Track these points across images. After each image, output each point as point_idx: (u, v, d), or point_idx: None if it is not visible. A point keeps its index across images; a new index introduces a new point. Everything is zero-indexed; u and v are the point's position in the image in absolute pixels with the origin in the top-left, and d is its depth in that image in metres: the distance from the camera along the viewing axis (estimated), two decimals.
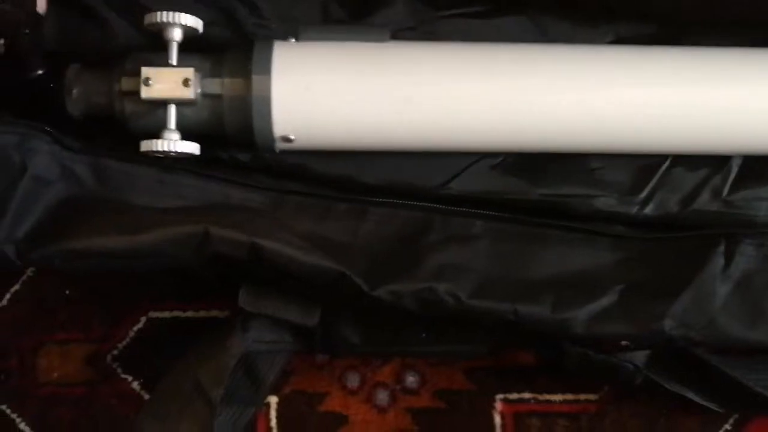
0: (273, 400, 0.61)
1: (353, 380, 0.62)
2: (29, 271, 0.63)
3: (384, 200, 0.53)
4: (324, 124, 0.50)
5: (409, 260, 0.52)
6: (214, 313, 0.63)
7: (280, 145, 0.50)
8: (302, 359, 0.61)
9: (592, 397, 0.61)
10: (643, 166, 0.54)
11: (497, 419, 0.61)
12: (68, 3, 0.53)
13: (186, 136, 0.49)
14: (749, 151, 0.54)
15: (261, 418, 0.61)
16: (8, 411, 0.62)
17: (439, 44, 0.52)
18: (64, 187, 0.51)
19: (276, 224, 0.51)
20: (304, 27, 0.51)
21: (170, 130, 0.48)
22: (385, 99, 0.49)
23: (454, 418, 0.61)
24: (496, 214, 0.53)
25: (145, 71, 0.47)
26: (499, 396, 0.61)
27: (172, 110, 0.48)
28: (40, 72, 0.51)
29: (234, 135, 0.50)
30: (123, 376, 0.62)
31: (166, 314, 0.63)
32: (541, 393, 0.61)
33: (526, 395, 0.61)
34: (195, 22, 0.48)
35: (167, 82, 0.47)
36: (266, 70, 0.48)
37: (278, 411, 0.61)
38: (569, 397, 0.61)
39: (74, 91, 0.49)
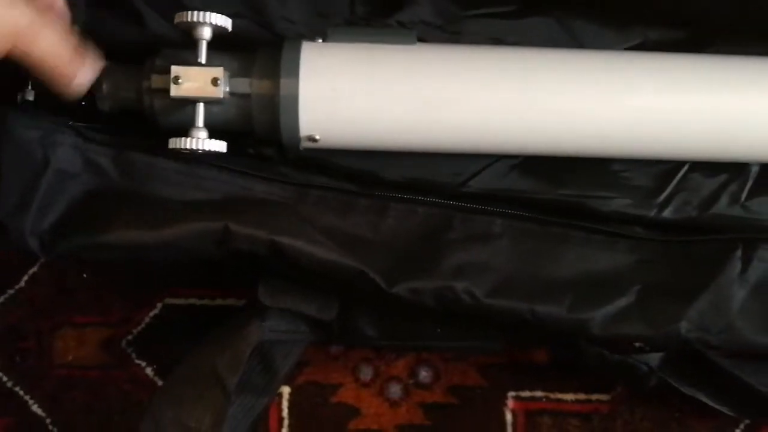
0: (285, 390, 0.62)
1: (366, 373, 0.62)
2: None
3: (405, 197, 0.53)
4: (349, 125, 0.50)
5: (429, 258, 0.52)
6: (230, 301, 0.63)
7: (305, 144, 0.51)
8: (316, 350, 0.61)
9: (604, 397, 0.61)
10: (663, 170, 0.55)
11: (509, 416, 0.61)
12: None
13: (213, 132, 0.49)
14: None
15: (273, 408, 0.62)
16: (21, 392, 0.62)
17: (465, 48, 0.52)
18: (88, 179, 0.51)
19: (298, 219, 0.52)
20: (332, 29, 0.51)
21: (198, 128, 0.48)
22: (410, 102, 0.49)
23: (465, 414, 0.61)
24: (517, 213, 0.53)
25: (175, 70, 0.47)
26: (512, 393, 0.62)
27: (200, 108, 0.48)
28: None
29: (260, 133, 0.50)
30: (137, 361, 0.62)
31: (182, 301, 0.63)
32: (553, 392, 0.62)
33: (539, 393, 0.62)
34: (224, 21, 0.48)
35: (196, 81, 0.47)
36: (294, 72, 0.48)
37: (290, 401, 0.62)
38: (581, 396, 0.61)
39: (104, 87, 0.49)
